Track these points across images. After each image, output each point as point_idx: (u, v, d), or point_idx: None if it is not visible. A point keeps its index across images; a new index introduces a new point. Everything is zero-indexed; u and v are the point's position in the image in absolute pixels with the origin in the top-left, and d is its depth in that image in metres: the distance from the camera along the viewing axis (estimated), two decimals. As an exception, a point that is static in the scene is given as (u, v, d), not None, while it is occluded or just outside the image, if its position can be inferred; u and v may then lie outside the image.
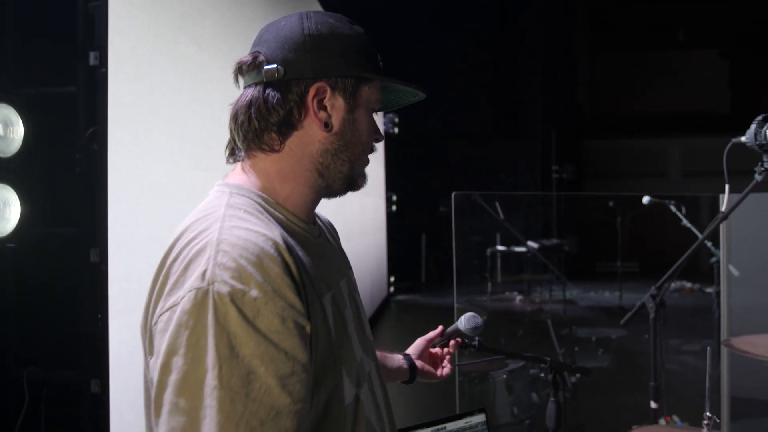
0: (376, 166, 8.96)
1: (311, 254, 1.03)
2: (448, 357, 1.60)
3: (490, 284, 8.45)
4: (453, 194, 2.96)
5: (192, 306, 0.85)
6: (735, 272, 3.47)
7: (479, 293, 8.09)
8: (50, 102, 2.11)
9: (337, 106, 1.04)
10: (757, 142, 1.73)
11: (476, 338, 1.63)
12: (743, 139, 1.77)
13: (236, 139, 1.06)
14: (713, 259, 4.18)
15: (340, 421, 1.01)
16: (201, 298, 0.85)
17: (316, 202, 1.11)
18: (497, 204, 3.72)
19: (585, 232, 11.23)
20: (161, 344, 0.86)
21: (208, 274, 0.86)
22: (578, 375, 2.52)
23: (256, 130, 1.03)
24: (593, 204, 11.20)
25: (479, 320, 1.58)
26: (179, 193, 2.45)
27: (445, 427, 1.81)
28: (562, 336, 5.03)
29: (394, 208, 9.83)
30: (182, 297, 0.86)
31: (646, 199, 3.88)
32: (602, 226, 9.93)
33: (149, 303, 0.94)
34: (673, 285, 9.88)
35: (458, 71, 11.51)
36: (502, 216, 3.68)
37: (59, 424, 2.09)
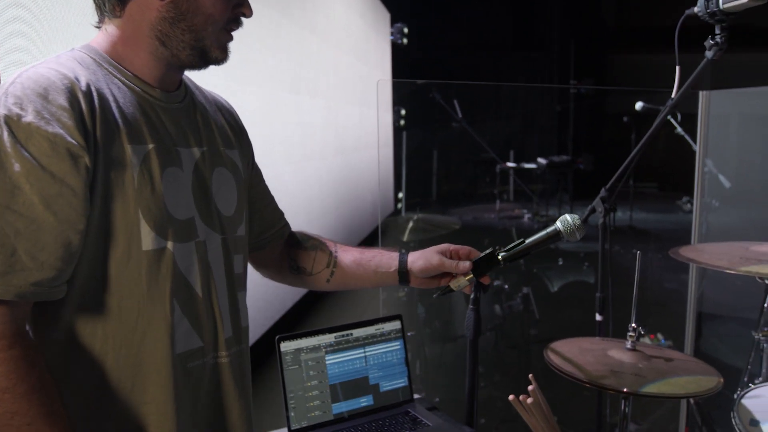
0: (380, 77, 8.62)
1: (143, 111, 1.11)
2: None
3: (498, 202, 8.24)
4: (377, 81, 2.71)
5: None
6: (726, 183, 3.23)
7: (488, 211, 7.89)
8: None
9: None
10: (708, 11, 1.48)
11: (502, 253, 1.46)
12: (696, 9, 1.52)
13: (95, 8, 1.14)
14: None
15: (139, 264, 1.07)
16: None
17: (166, 70, 1.16)
18: (456, 102, 3.47)
19: (602, 150, 10.85)
20: None
21: None
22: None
23: None
24: (610, 120, 10.76)
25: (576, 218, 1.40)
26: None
27: (351, 333, 1.69)
28: (550, 249, 4.88)
29: (402, 122, 9.49)
30: None
31: (638, 105, 3.59)
32: (619, 144, 9.54)
33: None
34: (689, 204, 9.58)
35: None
36: (460, 114, 3.44)
37: None
